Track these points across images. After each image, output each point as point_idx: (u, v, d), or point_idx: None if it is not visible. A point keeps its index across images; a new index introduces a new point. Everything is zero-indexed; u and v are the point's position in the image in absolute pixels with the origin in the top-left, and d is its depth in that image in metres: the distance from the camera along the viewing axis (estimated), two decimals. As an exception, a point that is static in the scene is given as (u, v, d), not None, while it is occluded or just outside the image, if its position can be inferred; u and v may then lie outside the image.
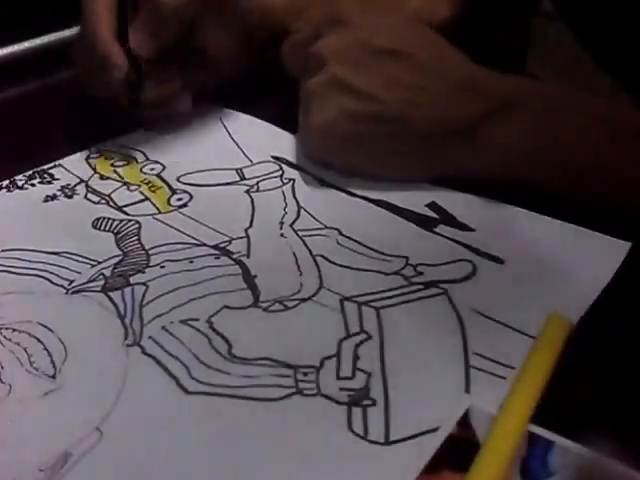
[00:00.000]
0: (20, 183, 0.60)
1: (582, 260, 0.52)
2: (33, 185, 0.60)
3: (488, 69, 0.57)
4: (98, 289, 0.50)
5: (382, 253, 0.52)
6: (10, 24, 0.75)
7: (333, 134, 0.59)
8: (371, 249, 0.53)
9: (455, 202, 0.57)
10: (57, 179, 0.61)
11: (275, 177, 0.60)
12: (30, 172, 0.61)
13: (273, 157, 0.63)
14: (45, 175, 0.61)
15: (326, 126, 0.59)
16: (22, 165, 0.62)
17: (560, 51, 0.56)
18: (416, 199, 0.57)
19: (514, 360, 0.44)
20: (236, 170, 0.61)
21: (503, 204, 0.56)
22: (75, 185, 0.60)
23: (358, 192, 0.58)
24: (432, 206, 0.56)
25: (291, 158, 0.63)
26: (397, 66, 0.57)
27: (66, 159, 0.63)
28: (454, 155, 0.57)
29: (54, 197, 0.59)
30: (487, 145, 0.56)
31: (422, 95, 0.57)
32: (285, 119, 0.65)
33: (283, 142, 0.64)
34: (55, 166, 0.62)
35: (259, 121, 0.68)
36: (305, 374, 0.44)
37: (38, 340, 0.46)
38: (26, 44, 0.76)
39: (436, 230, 0.54)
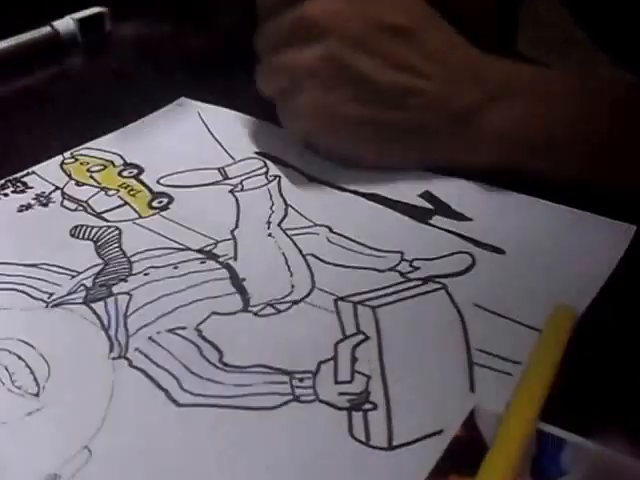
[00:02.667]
0: (-8, 193, 0.58)
1: (586, 246, 0.50)
2: (6, 195, 0.57)
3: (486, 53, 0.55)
4: (80, 301, 0.48)
5: (376, 249, 0.50)
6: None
7: (322, 117, 0.56)
8: (364, 245, 0.51)
9: (450, 190, 0.55)
10: (31, 187, 0.58)
11: (260, 175, 0.58)
12: (2, 181, 0.59)
13: (256, 153, 0.61)
14: (18, 184, 0.58)
15: (315, 108, 0.56)
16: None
17: (553, 30, 0.55)
18: (408, 190, 0.55)
19: (519, 355, 0.42)
20: (218, 169, 0.59)
21: (500, 189, 0.55)
22: (50, 193, 0.57)
23: (347, 186, 0.56)
24: (426, 196, 0.55)
25: (275, 152, 0.60)
26: (399, 45, 0.54)
27: (39, 166, 0.60)
28: (453, 144, 0.55)
29: (29, 206, 0.56)
30: (487, 132, 0.54)
31: (422, 80, 0.54)
32: (265, 108, 0.63)
33: (266, 135, 0.62)
34: (28, 174, 0.60)
35: (239, 114, 0.65)
36: (301, 380, 0.42)
37: (19, 357, 0.44)
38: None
39: (431, 222, 0.52)
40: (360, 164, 0.57)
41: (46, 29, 0.76)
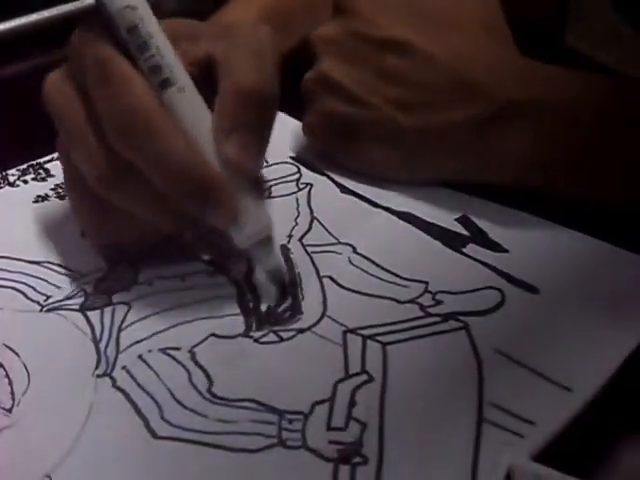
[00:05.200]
0: (12, 179, 0.56)
1: (628, 290, 0.44)
2: (25, 182, 0.56)
3: (496, 62, 0.51)
4: (76, 307, 0.45)
5: (399, 276, 0.46)
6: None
7: (317, 137, 0.56)
8: (387, 271, 0.47)
9: (490, 216, 0.50)
10: (52, 175, 0.56)
11: (291, 181, 0.55)
12: (25, 166, 0.57)
13: (292, 157, 0.57)
14: (40, 171, 0.56)
15: (310, 128, 0.55)
16: (19, 153, 0.58)
17: (600, 25, 0.50)
18: (446, 211, 0.51)
19: (537, 415, 0.37)
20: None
21: (545, 221, 0.49)
22: (70, 184, 0.55)
23: (382, 202, 0.52)
24: (463, 220, 0.50)
25: (311, 158, 0.57)
26: (393, 59, 0.51)
27: (65, 151, 0.58)
28: (451, 162, 0.51)
29: (45, 197, 0.54)
30: (490, 153, 0.50)
31: (416, 93, 0.51)
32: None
33: (305, 139, 0.58)
34: (53, 160, 0.58)
35: (281, 114, 0.61)
36: (291, 422, 0.38)
37: (0, 365, 0.42)
38: (33, 16, 0.72)
39: (464, 250, 0.48)
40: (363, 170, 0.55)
41: (89, 0, 0.74)
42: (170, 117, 0.43)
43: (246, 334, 0.43)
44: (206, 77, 0.45)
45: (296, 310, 0.44)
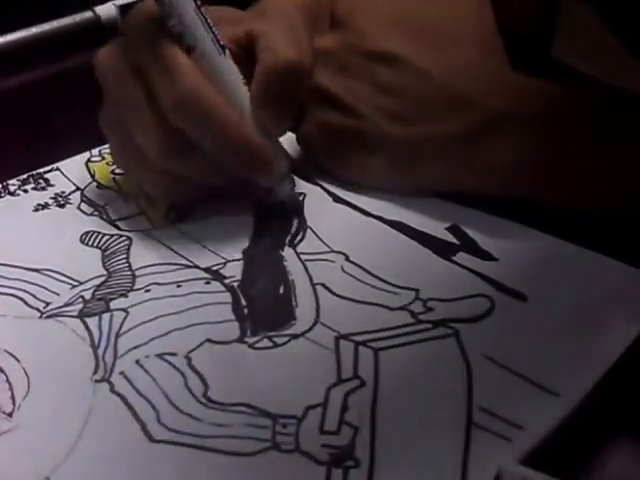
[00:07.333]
0: (12, 189, 0.57)
1: (615, 299, 0.45)
2: (26, 191, 0.57)
3: (489, 76, 0.52)
4: (74, 314, 0.46)
5: (390, 284, 0.47)
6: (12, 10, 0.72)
7: (311, 147, 0.57)
8: (379, 279, 0.47)
9: (480, 225, 0.51)
10: (52, 185, 0.57)
11: (285, 191, 0.56)
12: (25, 176, 0.58)
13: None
14: (40, 180, 0.57)
15: (304, 138, 0.56)
16: (19, 164, 0.59)
17: (587, 36, 0.50)
18: (437, 221, 0.52)
19: (525, 419, 0.38)
20: (244, 180, 0.56)
21: (533, 230, 0.50)
22: (70, 193, 0.56)
23: (373, 211, 0.53)
24: (453, 229, 0.51)
25: (305, 168, 0.57)
26: (387, 72, 0.53)
27: (65, 162, 0.59)
28: (441, 173, 0.52)
29: (45, 206, 0.55)
30: (478, 164, 0.51)
31: (407, 106, 0.52)
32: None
33: (298, 150, 0.59)
34: (52, 170, 0.59)
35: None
36: (284, 426, 0.39)
37: (1, 370, 0.43)
38: (33, 29, 0.73)
39: (454, 259, 0.49)
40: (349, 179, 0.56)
41: (88, 14, 0.75)
42: (220, 96, 0.49)
43: (241, 340, 0.44)
44: (245, 52, 0.52)
45: (289, 316, 0.46)
